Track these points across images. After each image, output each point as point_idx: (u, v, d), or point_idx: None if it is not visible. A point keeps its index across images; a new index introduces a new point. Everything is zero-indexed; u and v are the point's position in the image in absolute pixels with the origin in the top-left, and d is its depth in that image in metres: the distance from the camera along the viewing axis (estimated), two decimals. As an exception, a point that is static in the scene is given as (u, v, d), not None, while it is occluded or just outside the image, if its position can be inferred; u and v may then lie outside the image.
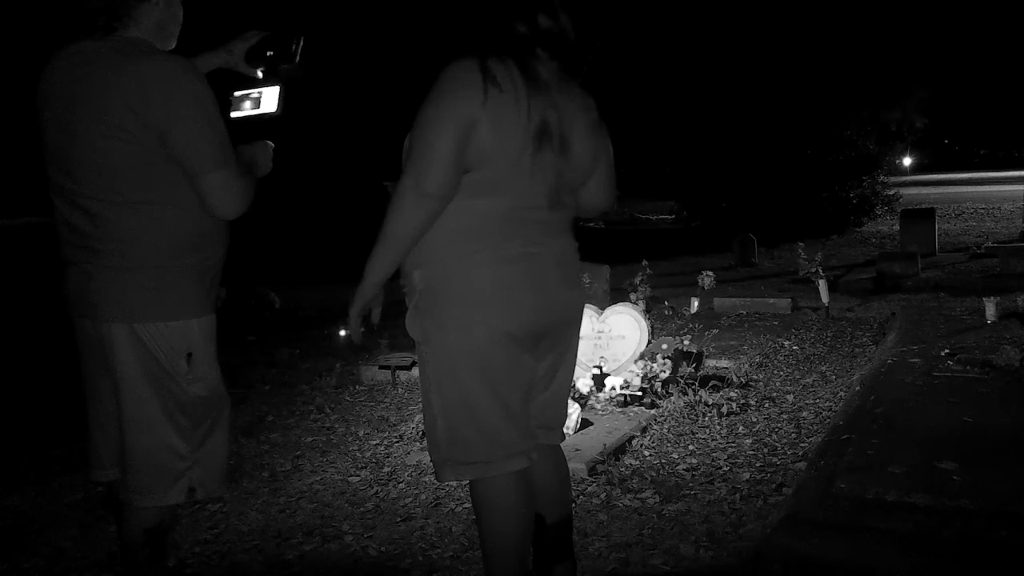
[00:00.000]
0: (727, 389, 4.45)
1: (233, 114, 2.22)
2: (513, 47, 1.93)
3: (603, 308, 4.87)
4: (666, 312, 6.42)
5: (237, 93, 2.25)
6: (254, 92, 2.22)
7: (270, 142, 2.29)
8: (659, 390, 4.33)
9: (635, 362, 4.53)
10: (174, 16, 2.14)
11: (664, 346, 4.59)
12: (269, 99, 2.21)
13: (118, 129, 1.96)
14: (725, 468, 3.44)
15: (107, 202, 2.01)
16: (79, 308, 2.11)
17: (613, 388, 4.32)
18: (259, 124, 2.24)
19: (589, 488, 3.27)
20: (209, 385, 2.16)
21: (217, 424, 2.20)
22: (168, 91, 1.96)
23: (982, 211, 16.87)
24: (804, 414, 4.14)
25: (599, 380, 4.37)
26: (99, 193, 2.01)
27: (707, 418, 4.04)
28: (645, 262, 6.55)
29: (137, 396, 2.06)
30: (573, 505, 2.94)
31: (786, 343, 5.82)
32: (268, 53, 2.24)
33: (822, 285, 6.92)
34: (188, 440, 2.12)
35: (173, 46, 2.15)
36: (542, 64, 1.95)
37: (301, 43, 2.24)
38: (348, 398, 5.04)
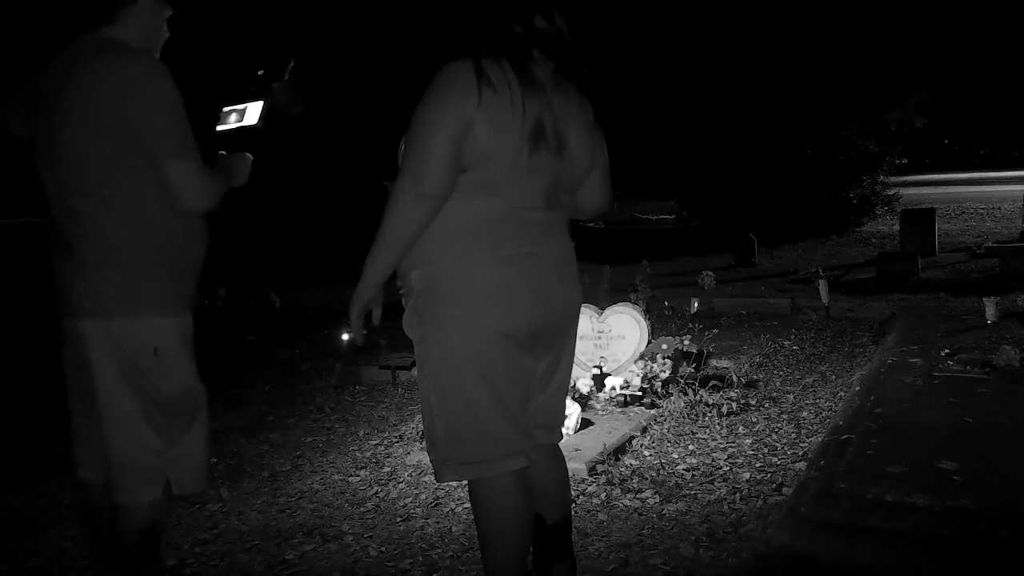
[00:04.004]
0: (727, 389, 4.45)
1: (219, 127, 2.35)
2: (509, 48, 1.94)
3: (603, 308, 4.87)
4: (666, 312, 6.41)
5: (225, 108, 2.37)
6: (239, 107, 2.34)
7: (248, 154, 2.38)
8: (659, 390, 4.33)
9: (635, 362, 4.53)
10: (158, 27, 2.22)
11: (664, 346, 4.59)
12: (252, 113, 2.32)
13: (93, 126, 2.04)
14: (725, 468, 3.44)
15: (85, 199, 2.08)
16: (61, 306, 2.18)
17: (613, 388, 4.32)
18: (244, 137, 2.34)
19: (589, 488, 3.27)
20: (183, 383, 2.20)
21: (194, 422, 2.24)
22: (135, 86, 2.04)
23: (982, 211, 16.84)
24: (804, 414, 4.14)
25: (599, 380, 4.37)
26: (77, 191, 2.08)
27: (707, 418, 4.04)
28: (645, 262, 6.54)
29: (110, 392, 2.11)
30: (573, 505, 2.94)
31: (786, 343, 5.82)
32: (260, 72, 2.36)
33: (822, 285, 6.91)
34: (163, 436, 2.17)
35: (155, 57, 2.22)
36: (538, 65, 1.95)
37: (292, 64, 2.37)
38: (348, 398, 5.04)
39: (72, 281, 2.12)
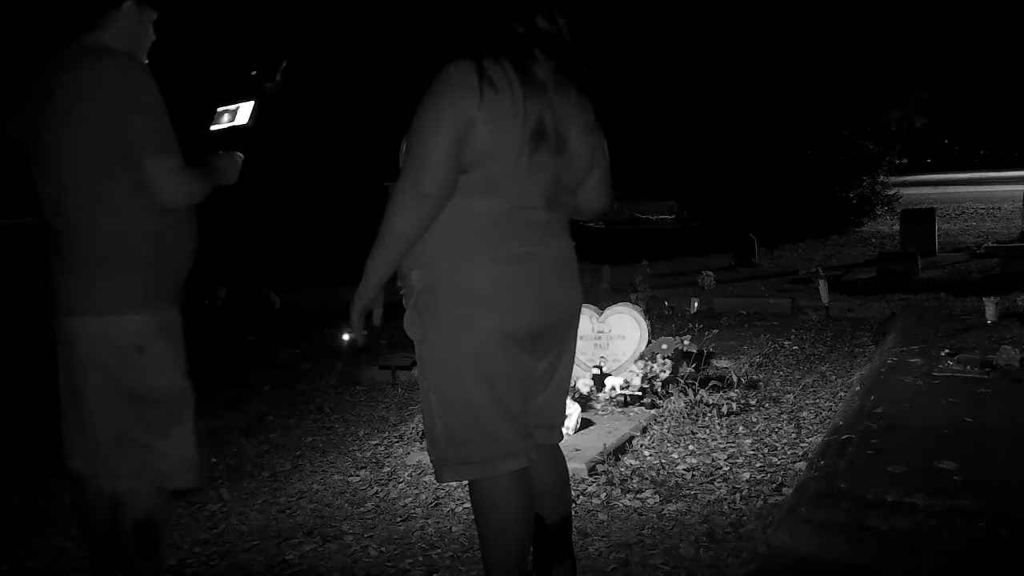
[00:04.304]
0: (727, 389, 4.44)
1: (212, 127, 2.41)
2: (510, 48, 1.94)
3: (603, 308, 4.87)
4: (666, 312, 6.41)
5: (220, 108, 2.43)
6: (232, 107, 2.40)
7: (239, 153, 2.41)
8: (659, 390, 4.33)
9: (635, 362, 4.53)
10: (143, 31, 2.26)
11: (664, 346, 4.59)
12: (244, 113, 2.38)
13: (85, 128, 2.08)
14: (725, 468, 3.44)
15: (84, 200, 2.12)
16: (54, 305, 2.22)
17: (613, 388, 4.32)
18: (236, 136, 2.39)
19: (589, 488, 3.27)
20: (168, 378, 2.24)
21: (181, 416, 2.28)
22: (116, 87, 2.07)
23: (982, 211, 16.82)
24: (804, 414, 4.14)
25: (599, 380, 4.37)
26: (75, 191, 2.12)
27: (707, 418, 4.04)
28: (645, 262, 6.55)
29: (96, 386, 2.16)
30: (573, 505, 2.95)
31: (786, 343, 5.82)
32: (252, 72, 2.42)
33: (822, 285, 6.91)
34: (151, 430, 2.21)
35: (143, 61, 2.26)
36: (539, 65, 1.95)
37: (284, 64, 2.43)
38: (348, 398, 5.04)
39: (69, 281, 2.17)
